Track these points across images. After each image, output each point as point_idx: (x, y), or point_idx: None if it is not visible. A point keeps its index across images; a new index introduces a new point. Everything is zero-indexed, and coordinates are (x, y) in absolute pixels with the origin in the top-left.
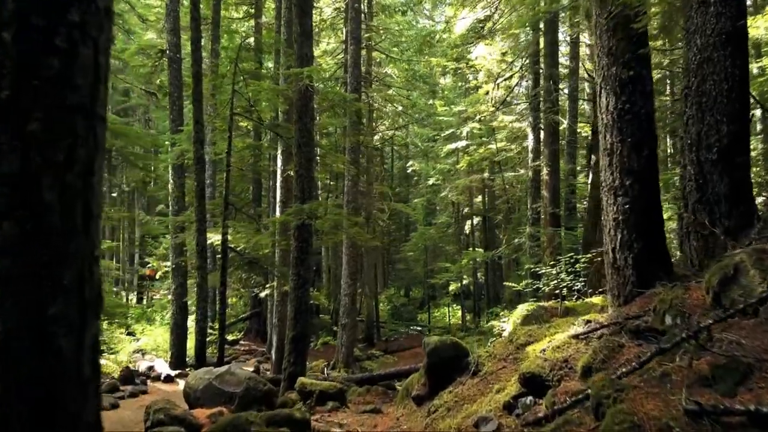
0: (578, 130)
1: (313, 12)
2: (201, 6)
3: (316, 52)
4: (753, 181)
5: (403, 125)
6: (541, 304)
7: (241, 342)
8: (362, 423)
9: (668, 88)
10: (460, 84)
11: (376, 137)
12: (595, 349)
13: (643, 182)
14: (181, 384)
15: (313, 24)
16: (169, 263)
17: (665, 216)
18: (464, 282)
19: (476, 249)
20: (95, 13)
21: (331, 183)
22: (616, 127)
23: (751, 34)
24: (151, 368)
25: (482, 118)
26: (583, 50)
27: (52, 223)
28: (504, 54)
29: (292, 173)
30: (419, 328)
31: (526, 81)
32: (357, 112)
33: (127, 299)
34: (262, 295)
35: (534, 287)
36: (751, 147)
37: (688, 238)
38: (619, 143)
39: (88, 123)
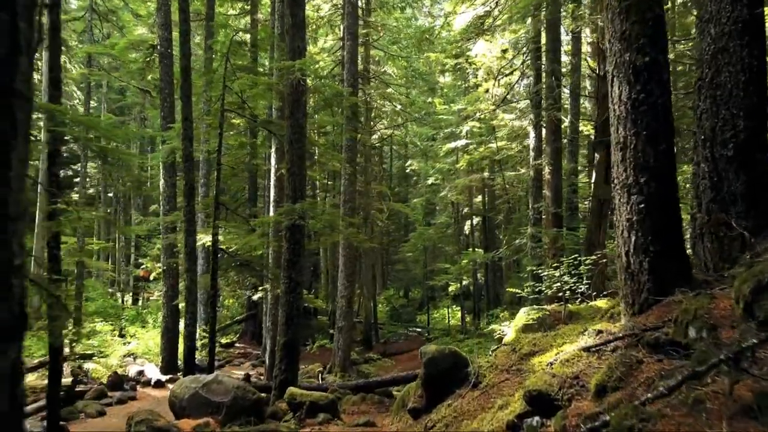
0: (580, 128)
1: (311, 8)
2: (195, 1)
3: (314, 50)
4: None
5: (401, 123)
6: (543, 307)
7: (237, 344)
8: None
9: (675, 81)
10: (459, 83)
11: (375, 136)
12: (610, 365)
13: (660, 179)
14: None
15: (311, 21)
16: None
17: None
18: (464, 283)
19: (476, 250)
20: None
21: (329, 183)
22: (630, 118)
23: None
24: (141, 373)
25: (482, 116)
26: (585, 48)
27: None
28: (504, 51)
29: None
30: (418, 330)
31: (528, 78)
32: (353, 108)
33: (123, 300)
34: (255, 298)
35: (536, 290)
36: None
37: (702, 239)
38: (633, 136)
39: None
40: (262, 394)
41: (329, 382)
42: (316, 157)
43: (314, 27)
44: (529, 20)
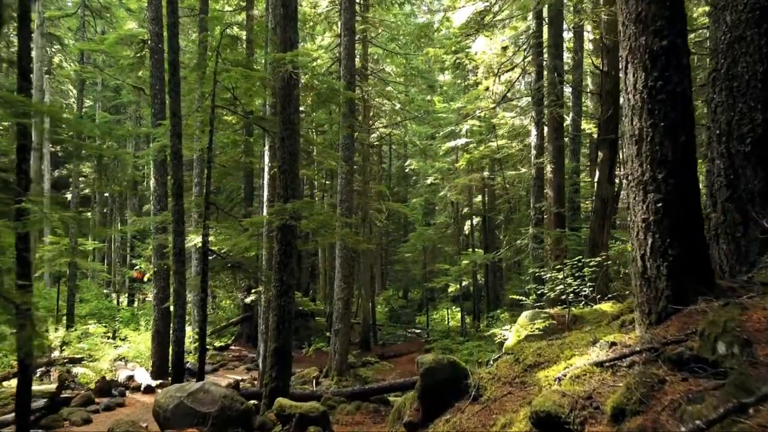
0: (582, 126)
1: (308, 4)
2: None
3: (312, 47)
4: None
5: (400, 122)
6: (546, 311)
7: (232, 347)
8: None
9: None
10: (459, 81)
11: (374, 135)
12: (629, 384)
13: (679, 175)
14: None
15: (308, 17)
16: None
17: None
18: (464, 284)
19: (476, 250)
20: None
21: (327, 182)
22: (646, 108)
23: None
24: (130, 378)
25: (482, 114)
26: (587, 45)
27: None
28: (505, 48)
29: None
30: (417, 331)
31: (529, 74)
32: (350, 104)
33: (118, 302)
34: (247, 301)
35: (538, 292)
36: None
37: (717, 241)
38: (650, 128)
39: None
40: (252, 402)
41: (323, 389)
42: (314, 156)
43: (311, 24)
44: (531, 16)
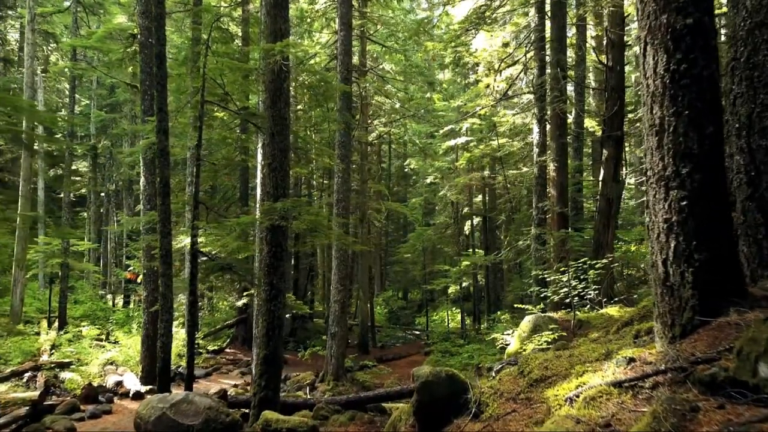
0: (585, 124)
1: (306, 0)
2: None
3: (309, 44)
4: None
5: (399, 118)
6: (549, 315)
7: (227, 350)
8: None
9: None
10: (459, 79)
11: (373, 134)
12: (656, 412)
13: (706, 169)
14: None
15: (306, 14)
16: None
17: None
18: (464, 285)
19: (477, 250)
20: None
21: (325, 182)
22: (669, 95)
23: None
24: (119, 383)
25: (483, 112)
26: (590, 42)
27: None
28: (506, 45)
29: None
30: (417, 332)
31: (531, 71)
32: (346, 100)
33: (113, 303)
34: (239, 304)
35: (541, 295)
36: None
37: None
38: (673, 117)
39: None
40: (241, 411)
41: (317, 398)
42: (312, 155)
43: (309, 20)
44: (533, 11)
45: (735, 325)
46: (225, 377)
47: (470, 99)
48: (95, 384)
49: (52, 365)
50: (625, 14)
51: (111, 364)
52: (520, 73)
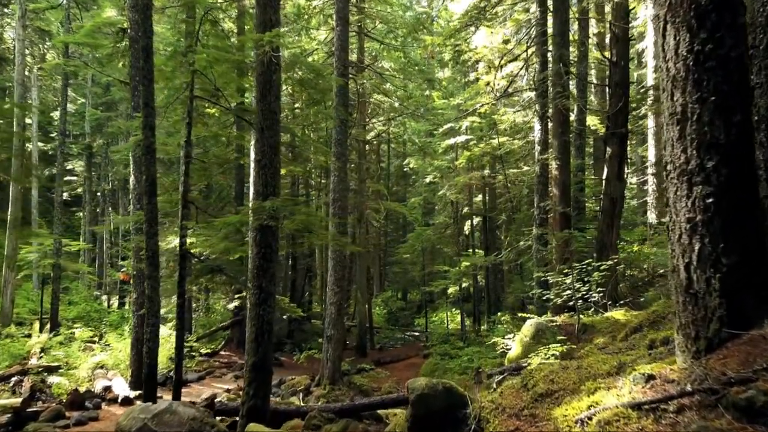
0: (587, 122)
1: None
2: None
3: (305, 41)
4: None
5: (398, 116)
6: (552, 318)
7: (222, 352)
8: None
9: None
10: (459, 77)
11: (372, 133)
12: None
13: (734, 162)
14: None
15: (303, 11)
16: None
17: None
18: (463, 285)
19: (477, 251)
20: None
21: (322, 181)
22: (692, 79)
23: None
24: (107, 389)
25: (483, 111)
26: (592, 39)
27: None
28: (506, 42)
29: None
30: (416, 334)
31: (532, 67)
32: (342, 96)
33: (108, 304)
34: (230, 307)
35: (543, 298)
36: None
37: None
38: (697, 104)
39: None
40: (232, 420)
41: (309, 405)
42: (311, 153)
43: (306, 17)
44: (534, 6)
45: None
46: (218, 381)
47: (470, 97)
48: (83, 389)
49: (40, 369)
50: (630, 8)
51: (101, 367)
52: (521, 69)
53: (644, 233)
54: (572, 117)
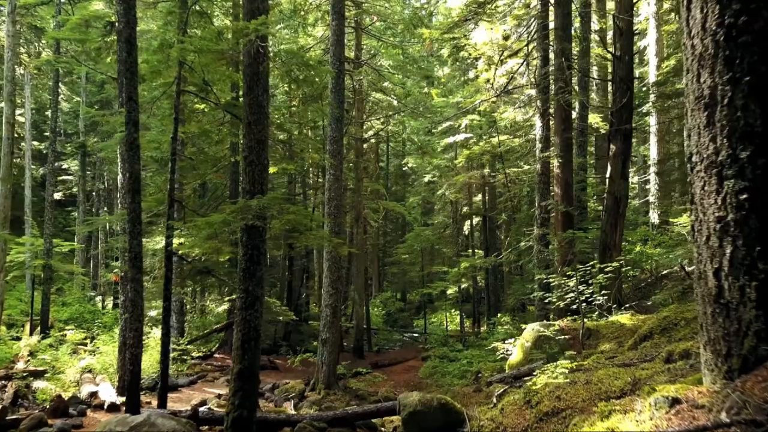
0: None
1: None
2: None
3: (303, 38)
4: None
5: (396, 112)
6: (554, 323)
7: (216, 355)
8: None
9: None
10: (458, 74)
11: (370, 132)
12: None
13: None
14: None
15: (300, 7)
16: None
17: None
18: (463, 286)
19: (477, 251)
20: None
21: (319, 180)
22: (723, 57)
23: None
24: (93, 394)
25: (483, 108)
26: (594, 36)
27: None
28: (506, 38)
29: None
30: (415, 335)
31: (533, 61)
32: (337, 92)
33: (103, 305)
34: (219, 310)
35: (545, 301)
36: None
37: None
38: (728, 85)
39: None
40: (217, 429)
41: (300, 414)
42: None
43: (303, 13)
44: (535, 1)
45: None
46: (210, 385)
47: (470, 95)
48: (69, 394)
49: (25, 374)
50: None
51: (89, 372)
52: (521, 65)
53: (646, 233)
54: (574, 114)
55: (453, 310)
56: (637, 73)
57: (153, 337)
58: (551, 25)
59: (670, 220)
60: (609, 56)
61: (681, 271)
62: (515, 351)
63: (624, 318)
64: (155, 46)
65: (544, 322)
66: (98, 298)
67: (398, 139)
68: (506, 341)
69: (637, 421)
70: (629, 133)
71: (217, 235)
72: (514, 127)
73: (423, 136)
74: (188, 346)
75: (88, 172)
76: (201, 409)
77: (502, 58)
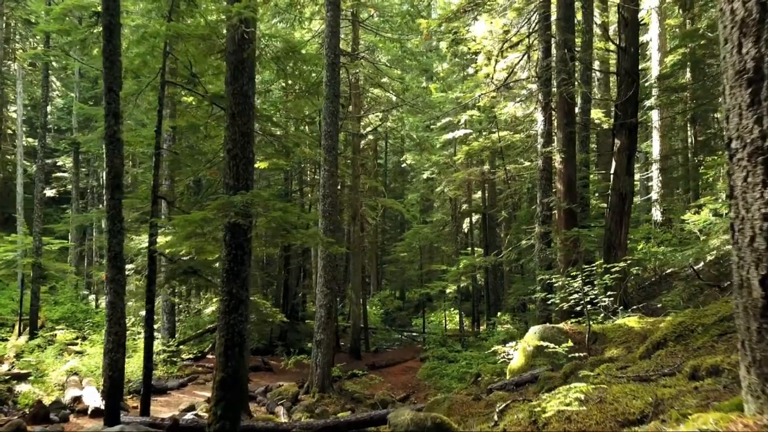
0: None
1: None
2: None
3: (299, 32)
4: None
5: (394, 107)
6: (558, 326)
7: (209, 356)
8: None
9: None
10: (457, 70)
11: (368, 128)
12: None
13: None
14: None
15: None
16: (131, 266)
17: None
18: (462, 285)
19: (476, 249)
20: None
21: (316, 177)
22: None
23: None
24: (77, 399)
25: (483, 103)
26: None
27: None
28: (507, 32)
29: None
30: (414, 334)
31: (535, 52)
32: (332, 85)
33: (96, 304)
34: (208, 311)
35: (548, 302)
36: None
37: None
38: None
39: None
40: None
41: (289, 423)
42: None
43: (299, 7)
44: None
45: None
46: (201, 388)
47: (469, 90)
48: (53, 398)
49: (8, 377)
50: None
51: (75, 375)
52: (521, 58)
53: (649, 231)
54: (576, 109)
55: (452, 309)
56: (639, 67)
57: (142, 338)
58: (553, 17)
59: (679, 217)
60: (613, 48)
61: (689, 270)
62: (516, 355)
63: (631, 321)
64: (138, 35)
65: (547, 324)
66: (91, 297)
67: (397, 135)
68: (507, 344)
69: None
70: (635, 127)
71: (205, 234)
72: (514, 123)
73: (422, 133)
74: (181, 347)
75: (83, 169)
76: (187, 416)
77: (502, 49)
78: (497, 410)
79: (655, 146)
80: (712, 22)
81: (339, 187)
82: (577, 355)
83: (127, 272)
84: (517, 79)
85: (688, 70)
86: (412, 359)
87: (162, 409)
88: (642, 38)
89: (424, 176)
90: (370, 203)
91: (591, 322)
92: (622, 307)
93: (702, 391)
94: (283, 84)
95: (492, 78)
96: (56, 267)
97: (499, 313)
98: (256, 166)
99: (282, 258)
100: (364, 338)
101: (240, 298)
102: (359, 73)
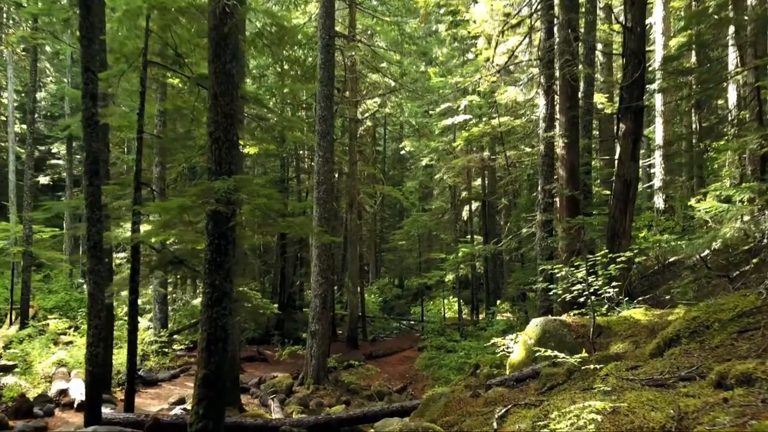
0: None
1: None
2: None
3: (299, 19)
4: None
5: (392, 92)
6: (560, 319)
7: None
8: None
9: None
10: (456, 55)
11: (367, 114)
12: None
13: None
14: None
15: None
16: (123, 254)
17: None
18: (461, 273)
19: (476, 236)
20: None
21: (312, 163)
22: None
23: None
24: (63, 392)
25: (483, 88)
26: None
27: None
28: (507, 15)
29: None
30: (412, 323)
31: (537, 33)
32: (326, 66)
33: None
34: (195, 303)
35: (550, 293)
36: None
37: None
38: None
39: None
40: None
41: (279, 419)
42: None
43: None
44: None
45: None
46: (193, 380)
47: (469, 74)
48: (39, 391)
49: None
50: None
51: (63, 366)
52: (522, 41)
53: (652, 219)
54: (579, 93)
55: (451, 297)
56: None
57: (140, 327)
58: None
59: (682, 204)
60: (617, 29)
61: (696, 259)
62: (517, 349)
63: (637, 313)
64: (119, 13)
65: (549, 317)
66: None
67: (396, 122)
68: (507, 336)
69: None
70: (641, 110)
71: (191, 223)
72: (514, 108)
73: (421, 118)
74: (175, 337)
75: (77, 156)
76: (173, 411)
77: (503, 29)
78: (497, 416)
79: (658, 132)
80: (721, 1)
81: (336, 174)
82: (579, 357)
83: (119, 261)
84: (518, 62)
85: (693, 53)
86: (410, 348)
87: (151, 402)
88: (646, 21)
89: (423, 163)
90: (368, 191)
91: (595, 314)
92: (626, 299)
93: (733, 405)
94: (278, 69)
95: (492, 61)
96: (48, 255)
97: (498, 302)
98: (246, 151)
99: (279, 246)
100: (361, 327)
101: (223, 290)
102: (356, 57)
